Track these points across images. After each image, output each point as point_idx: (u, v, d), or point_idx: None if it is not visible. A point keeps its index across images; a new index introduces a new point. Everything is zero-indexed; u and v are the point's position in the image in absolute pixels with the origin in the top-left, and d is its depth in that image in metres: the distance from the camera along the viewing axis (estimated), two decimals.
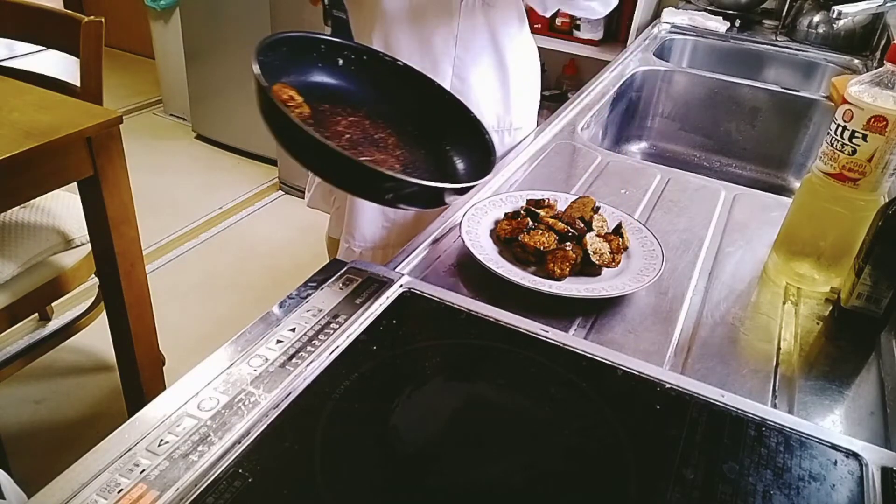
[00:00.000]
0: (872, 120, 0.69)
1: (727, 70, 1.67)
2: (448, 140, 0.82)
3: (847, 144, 0.71)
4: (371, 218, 1.10)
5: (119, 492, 0.44)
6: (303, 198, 1.30)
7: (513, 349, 0.63)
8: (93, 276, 1.50)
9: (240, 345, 0.58)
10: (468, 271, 0.76)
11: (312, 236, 2.38)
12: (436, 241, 0.82)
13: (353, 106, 0.81)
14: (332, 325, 0.61)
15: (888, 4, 1.41)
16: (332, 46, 0.80)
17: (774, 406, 0.62)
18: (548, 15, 1.07)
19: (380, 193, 0.68)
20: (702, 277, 0.80)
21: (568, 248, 0.75)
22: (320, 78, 0.80)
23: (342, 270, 0.69)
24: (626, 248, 0.79)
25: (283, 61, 0.74)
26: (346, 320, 0.62)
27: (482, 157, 0.77)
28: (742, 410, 0.58)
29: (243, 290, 2.14)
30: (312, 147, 0.63)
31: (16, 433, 1.57)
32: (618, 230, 0.80)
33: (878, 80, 0.70)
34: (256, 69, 0.64)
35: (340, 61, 0.80)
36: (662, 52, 1.78)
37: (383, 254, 1.13)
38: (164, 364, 1.62)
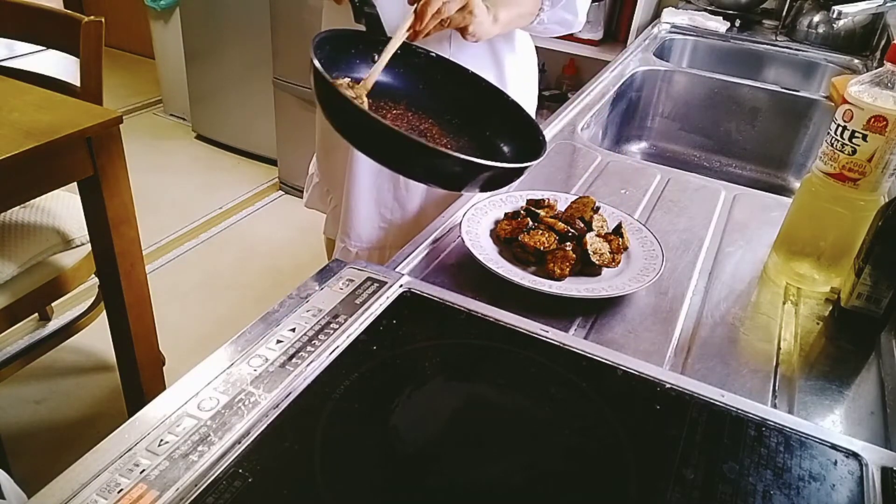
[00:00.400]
0: (872, 120, 0.69)
1: (727, 70, 1.67)
2: (488, 126, 0.84)
3: (847, 144, 0.71)
4: (367, 218, 1.10)
5: (119, 492, 0.44)
6: (302, 198, 1.30)
7: (513, 349, 0.63)
8: (93, 276, 1.50)
9: (240, 345, 0.58)
10: (468, 271, 0.76)
11: (312, 236, 2.38)
12: (436, 241, 0.82)
13: (394, 99, 0.83)
14: (332, 325, 0.61)
15: (888, 4, 1.41)
16: (369, 43, 0.82)
17: (774, 406, 0.62)
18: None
19: (456, 179, 0.71)
20: (702, 277, 0.80)
21: (568, 248, 0.75)
22: (359, 74, 0.81)
23: (342, 270, 0.69)
24: (626, 248, 0.79)
25: (326, 59, 0.75)
26: (346, 320, 0.62)
27: (527, 139, 0.79)
28: (742, 410, 0.58)
29: (243, 290, 2.14)
30: (396, 140, 0.66)
31: (16, 433, 1.57)
32: (618, 230, 0.80)
33: (878, 80, 0.70)
34: (318, 66, 0.68)
35: (376, 56, 0.81)
36: (662, 52, 1.78)
37: (380, 254, 1.13)
38: (164, 364, 1.62)
